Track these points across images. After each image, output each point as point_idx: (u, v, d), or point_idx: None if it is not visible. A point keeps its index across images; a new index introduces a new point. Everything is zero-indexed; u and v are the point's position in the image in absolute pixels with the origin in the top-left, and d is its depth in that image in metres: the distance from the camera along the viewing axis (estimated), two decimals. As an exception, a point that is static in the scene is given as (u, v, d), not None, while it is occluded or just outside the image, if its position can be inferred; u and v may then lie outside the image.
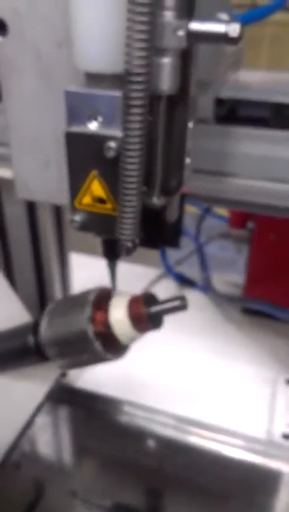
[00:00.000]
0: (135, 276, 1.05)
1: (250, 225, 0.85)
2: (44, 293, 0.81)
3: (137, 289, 1.01)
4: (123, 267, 0.95)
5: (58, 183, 0.45)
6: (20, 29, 0.40)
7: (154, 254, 1.00)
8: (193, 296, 1.03)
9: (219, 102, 0.54)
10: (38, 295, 0.81)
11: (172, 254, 1.08)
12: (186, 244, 1.21)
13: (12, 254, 0.78)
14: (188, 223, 1.09)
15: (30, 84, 0.42)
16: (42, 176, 0.46)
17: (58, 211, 0.75)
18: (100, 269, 0.57)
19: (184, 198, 0.59)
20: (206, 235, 1.20)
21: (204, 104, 0.50)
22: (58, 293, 0.82)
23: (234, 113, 0.57)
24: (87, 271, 0.85)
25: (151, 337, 0.50)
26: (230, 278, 1.07)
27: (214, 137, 0.52)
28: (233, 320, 0.95)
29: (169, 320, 0.48)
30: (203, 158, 0.53)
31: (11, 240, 0.77)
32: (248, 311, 0.95)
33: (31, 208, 0.72)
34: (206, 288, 1.01)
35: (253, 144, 0.52)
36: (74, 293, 0.85)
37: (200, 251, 1.04)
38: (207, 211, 1.01)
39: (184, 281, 1.05)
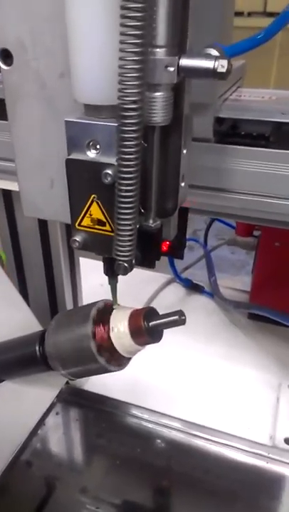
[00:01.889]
0: (144, 281, 1.07)
1: (257, 233, 0.86)
2: (55, 298, 0.84)
3: (146, 293, 1.03)
4: (133, 272, 0.98)
5: (62, 202, 0.47)
6: (24, 59, 0.42)
7: (163, 259, 1.02)
8: (200, 301, 1.04)
9: (220, 120, 0.56)
10: (49, 301, 0.84)
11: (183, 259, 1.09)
12: (197, 248, 1.22)
13: (24, 262, 0.81)
14: (202, 226, 1.11)
15: (34, 110, 0.44)
16: (47, 195, 0.48)
17: (67, 221, 0.77)
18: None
19: (186, 212, 0.61)
20: (216, 238, 1.21)
21: (204, 125, 0.52)
22: (68, 298, 0.84)
23: (236, 129, 0.59)
24: (96, 276, 0.87)
25: (158, 342, 0.52)
26: (240, 279, 1.08)
27: (214, 155, 0.54)
28: (239, 325, 0.97)
29: None
30: (204, 175, 0.54)
31: (23, 248, 0.80)
32: (255, 317, 0.96)
33: (41, 219, 0.75)
34: (213, 293, 1.03)
35: (251, 162, 0.53)
36: (82, 298, 0.88)
37: (207, 257, 1.06)
38: (214, 218, 1.02)
39: (192, 286, 1.07)
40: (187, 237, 0.61)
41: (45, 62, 0.42)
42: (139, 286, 1.04)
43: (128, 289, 0.80)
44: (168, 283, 1.09)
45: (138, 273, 1.06)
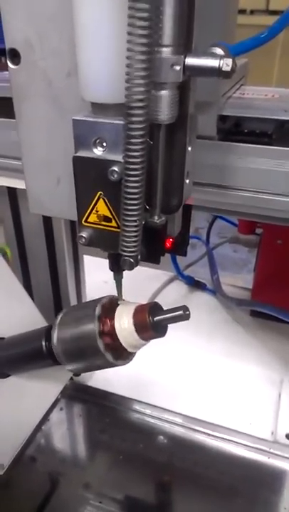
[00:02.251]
0: (147, 278, 1.08)
1: (259, 230, 0.87)
2: (59, 294, 0.85)
3: (150, 290, 1.04)
4: (137, 269, 0.98)
5: (69, 199, 0.48)
6: (31, 59, 0.43)
7: (166, 257, 1.03)
8: (203, 299, 1.05)
9: (224, 118, 0.57)
10: (54, 297, 0.85)
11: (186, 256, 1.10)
12: (199, 246, 1.23)
13: (28, 258, 0.82)
14: (204, 224, 1.11)
15: (41, 109, 0.45)
16: (54, 193, 0.49)
17: (71, 219, 0.78)
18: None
19: (190, 209, 0.62)
20: (218, 236, 1.22)
21: (207, 122, 0.52)
22: (72, 294, 0.85)
23: (239, 127, 0.59)
24: (100, 273, 0.88)
25: (161, 337, 0.52)
26: (242, 278, 1.09)
27: (218, 152, 0.54)
28: (241, 322, 0.98)
29: None
30: (208, 172, 0.55)
31: (27, 245, 0.81)
32: (257, 314, 0.96)
33: (47, 216, 0.76)
34: (216, 290, 1.03)
35: (254, 159, 0.54)
36: (86, 294, 0.89)
37: (209, 255, 1.07)
38: (217, 216, 1.03)
39: (194, 283, 1.07)
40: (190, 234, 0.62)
41: (53, 62, 0.42)
42: (142, 284, 1.05)
43: (131, 286, 0.81)
44: (170, 280, 1.10)
45: (141, 270, 1.06)
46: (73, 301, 0.85)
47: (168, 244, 0.68)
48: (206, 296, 1.06)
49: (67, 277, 0.81)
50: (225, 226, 1.11)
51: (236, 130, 0.59)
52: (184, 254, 0.68)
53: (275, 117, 0.54)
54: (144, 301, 0.51)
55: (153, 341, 0.52)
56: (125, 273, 0.50)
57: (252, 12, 2.46)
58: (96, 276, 0.88)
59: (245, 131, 0.58)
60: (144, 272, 1.06)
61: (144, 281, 1.07)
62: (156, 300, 1.01)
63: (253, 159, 0.54)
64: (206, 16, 0.40)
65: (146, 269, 1.08)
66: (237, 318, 0.99)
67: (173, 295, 1.06)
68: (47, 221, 0.76)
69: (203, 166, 0.55)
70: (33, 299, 0.78)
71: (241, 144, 0.54)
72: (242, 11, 2.35)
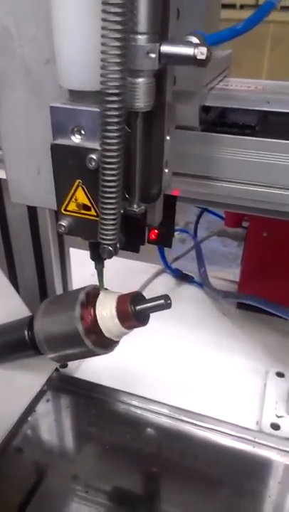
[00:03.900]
0: (134, 271, 1.08)
1: (246, 224, 0.87)
2: (45, 287, 0.85)
3: (137, 283, 1.05)
4: (124, 262, 0.99)
5: (49, 188, 0.48)
6: (10, 46, 0.43)
7: (153, 250, 1.03)
8: (190, 291, 1.06)
9: (207, 109, 0.57)
10: (39, 289, 0.85)
11: (174, 249, 1.11)
12: (189, 241, 1.23)
13: (14, 250, 0.82)
14: (194, 219, 1.12)
15: (20, 97, 0.45)
16: (34, 182, 0.49)
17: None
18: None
19: (174, 201, 0.62)
20: (208, 231, 1.22)
21: (190, 113, 0.53)
22: (58, 287, 0.85)
23: (223, 118, 0.60)
24: (85, 265, 0.88)
25: (149, 329, 0.53)
26: (232, 272, 1.09)
27: (201, 143, 0.54)
28: (228, 314, 0.98)
29: (166, 313, 0.51)
30: (191, 163, 0.55)
31: (12, 237, 0.80)
32: (243, 306, 0.97)
33: (32, 206, 0.75)
34: (203, 283, 1.04)
35: (238, 150, 0.54)
36: (72, 287, 0.89)
37: (197, 248, 1.07)
38: (204, 209, 1.03)
39: (182, 276, 1.08)
40: (179, 228, 0.62)
41: (31, 49, 0.42)
42: (130, 277, 1.05)
43: (118, 279, 0.81)
44: (158, 273, 1.10)
45: (128, 263, 1.07)
46: (59, 293, 0.85)
47: (153, 236, 0.68)
48: (194, 289, 1.06)
49: (53, 269, 0.81)
50: (215, 221, 1.12)
51: (220, 121, 0.59)
52: (169, 245, 0.68)
53: (258, 108, 0.55)
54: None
55: (140, 333, 0.52)
56: (113, 265, 0.51)
57: (242, 6, 2.46)
58: (83, 269, 0.88)
59: (229, 122, 0.58)
60: (131, 265, 1.07)
61: (132, 274, 1.07)
62: (143, 293, 1.02)
63: (236, 150, 0.54)
64: (186, 5, 0.40)
65: (133, 261, 1.09)
66: (223, 311, 0.99)
67: (160, 288, 1.06)
68: (32, 212, 0.75)
69: (186, 157, 0.55)
70: (18, 291, 0.78)
71: (224, 135, 0.54)
72: (232, 6, 2.35)
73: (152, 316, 0.52)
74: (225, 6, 2.34)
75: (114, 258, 0.44)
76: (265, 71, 2.39)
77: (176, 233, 0.67)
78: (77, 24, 0.35)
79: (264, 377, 0.83)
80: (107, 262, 0.54)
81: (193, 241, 1.12)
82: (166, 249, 1.07)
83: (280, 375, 0.83)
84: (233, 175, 0.56)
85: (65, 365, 0.84)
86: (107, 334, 0.50)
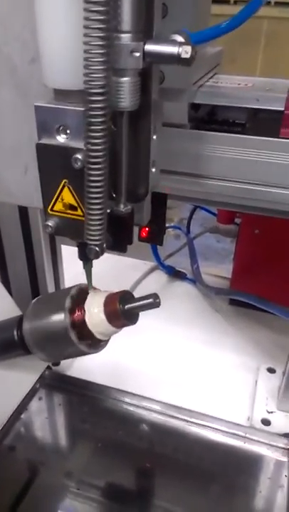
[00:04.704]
0: (127, 268, 1.08)
1: (238, 220, 0.87)
2: (37, 286, 0.85)
3: (130, 280, 1.04)
4: (117, 259, 0.99)
5: (36, 188, 0.48)
6: (-5, 45, 0.43)
7: (146, 247, 1.03)
8: (183, 288, 1.06)
9: (196, 107, 0.56)
10: (31, 288, 0.85)
11: (168, 246, 1.11)
12: (183, 237, 1.23)
13: (5, 249, 0.82)
14: (187, 215, 1.12)
15: (6, 96, 0.45)
16: (22, 181, 0.49)
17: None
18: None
19: (164, 198, 0.62)
20: (202, 227, 1.22)
21: (179, 110, 0.52)
22: (50, 285, 0.85)
23: (213, 116, 0.59)
24: (78, 264, 0.88)
25: (141, 326, 0.53)
26: (225, 268, 1.09)
27: (191, 141, 0.54)
28: (220, 311, 0.99)
29: (158, 310, 0.51)
30: (181, 161, 0.55)
31: (3, 236, 0.80)
32: (235, 303, 0.97)
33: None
34: (196, 280, 1.04)
35: (227, 148, 0.54)
36: (65, 285, 0.89)
37: (190, 244, 1.07)
38: (197, 206, 1.03)
39: (175, 273, 1.08)
40: (172, 225, 0.62)
41: (16, 48, 0.42)
42: (123, 274, 1.05)
43: (111, 276, 0.81)
44: (151, 270, 1.10)
45: (121, 260, 1.06)
46: (51, 289, 0.85)
47: (144, 234, 0.68)
48: (186, 286, 1.07)
49: (44, 268, 0.81)
50: (209, 218, 1.12)
51: (209, 119, 0.59)
52: (160, 243, 0.68)
53: (247, 106, 0.55)
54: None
55: (132, 330, 0.52)
56: (106, 263, 0.51)
57: (235, 2, 2.45)
58: (74, 266, 0.88)
59: (219, 120, 0.58)
60: (124, 262, 1.07)
61: (125, 271, 1.07)
62: (136, 290, 1.02)
63: (226, 148, 0.54)
64: (174, 1, 0.40)
65: (126, 258, 1.09)
66: (216, 307, 1.00)
67: (153, 285, 1.06)
68: (23, 210, 0.75)
69: (175, 155, 0.55)
70: (9, 291, 0.78)
71: (214, 133, 0.54)
72: (225, 1, 2.34)
73: (145, 312, 0.52)
74: (219, 2, 2.32)
75: (107, 255, 0.43)
76: (259, 66, 2.38)
77: (170, 230, 0.67)
78: (60, 23, 0.35)
79: (255, 373, 0.84)
80: (100, 259, 0.54)
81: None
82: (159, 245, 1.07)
83: (271, 370, 0.84)
84: (223, 173, 0.56)
85: (57, 363, 0.84)
86: (95, 333, 0.50)
